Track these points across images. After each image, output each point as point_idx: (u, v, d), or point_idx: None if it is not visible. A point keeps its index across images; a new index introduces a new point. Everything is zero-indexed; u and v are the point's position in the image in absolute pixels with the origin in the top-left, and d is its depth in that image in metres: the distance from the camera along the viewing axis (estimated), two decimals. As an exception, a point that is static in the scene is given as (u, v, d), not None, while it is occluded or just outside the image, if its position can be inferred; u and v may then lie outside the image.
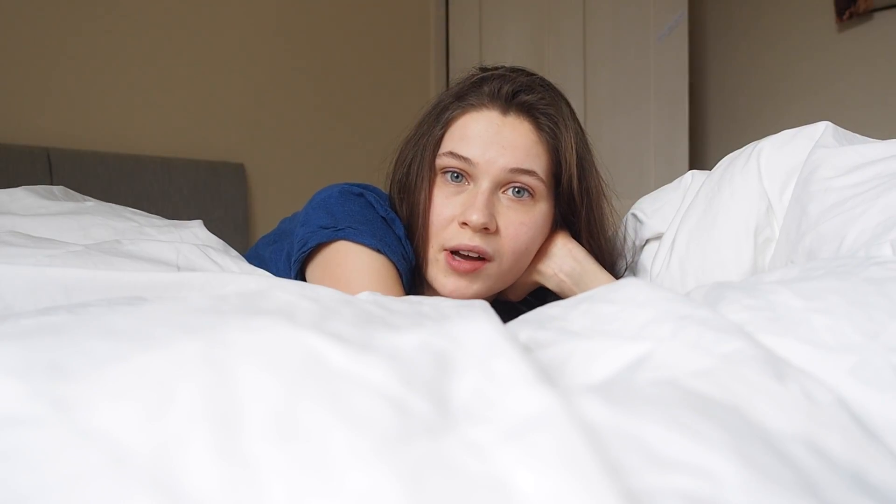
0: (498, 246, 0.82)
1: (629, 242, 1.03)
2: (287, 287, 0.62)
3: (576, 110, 0.90)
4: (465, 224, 0.80)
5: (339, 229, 0.80)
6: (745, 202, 0.82)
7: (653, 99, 2.72)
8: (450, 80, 2.68)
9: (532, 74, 0.88)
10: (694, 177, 1.00)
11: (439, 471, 0.24)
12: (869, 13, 2.38)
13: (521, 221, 0.82)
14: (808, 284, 0.44)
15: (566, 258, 0.88)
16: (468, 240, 0.80)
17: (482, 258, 0.81)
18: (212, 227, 0.92)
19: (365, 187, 0.87)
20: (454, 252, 0.81)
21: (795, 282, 0.45)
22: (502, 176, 0.81)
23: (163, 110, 2.06)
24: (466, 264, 0.81)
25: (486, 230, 0.80)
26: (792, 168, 0.80)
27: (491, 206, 0.81)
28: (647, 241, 1.02)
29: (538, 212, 0.84)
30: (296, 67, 2.37)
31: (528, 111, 0.83)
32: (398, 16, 2.66)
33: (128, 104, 1.99)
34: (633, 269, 1.01)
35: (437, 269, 0.83)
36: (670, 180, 1.07)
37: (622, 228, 1.05)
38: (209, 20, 2.16)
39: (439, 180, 0.84)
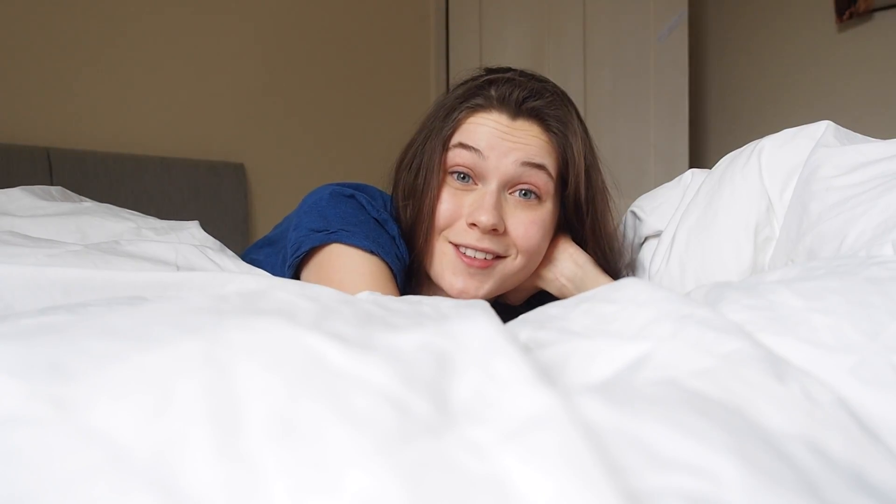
0: (509, 245, 0.81)
1: (628, 241, 1.03)
2: (287, 287, 0.62)
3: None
4: (473, 225, 0.79)
5: (332, 232, 0.79)
6: (745, 201, 0.82)
7: (653, 99, 2.72)
8: (450, 80, 2.68)
9: (542, 80, 0.86)
10: (694, 175, 1.00)
11: (439, 470, 0.24)
12: (869, 13, 2.38)
13: (530, 220, 0.82)
14: (808, 284, 0.44)
15: (568, 262, 0.88)
16: (477, 241, 0.79)
17: (496, 256, 0.81)
18: (212, 228, 0.92)
19: (356, 188, 0.86)
20: (462, 248, 0.81)
21: (796, 281, 0.45)
22: (512, 171, 0.80)
23: (163, 110, 2.06)
24: (479, 261, 0.80)
25: (495, 231, 0.79)
26: (793, 167, 0.80)
27: (499, 207, 0.80)
28: (646, 238, 1.02)
29: (545, 211, 0.84)
30: (296, 67, 2.36)
31: (538, 115, 0.82)
32: (398, 16, 2.66)
33: (128, 104, 1.99)
34: (631, 268, 1.01)
35: (445, 265, 0.82)
36: (670, 180, 1.06)
37: (621, 227, 1.05)
38: (209, 20, 2.16)
39: (447, 180, 0.83)
